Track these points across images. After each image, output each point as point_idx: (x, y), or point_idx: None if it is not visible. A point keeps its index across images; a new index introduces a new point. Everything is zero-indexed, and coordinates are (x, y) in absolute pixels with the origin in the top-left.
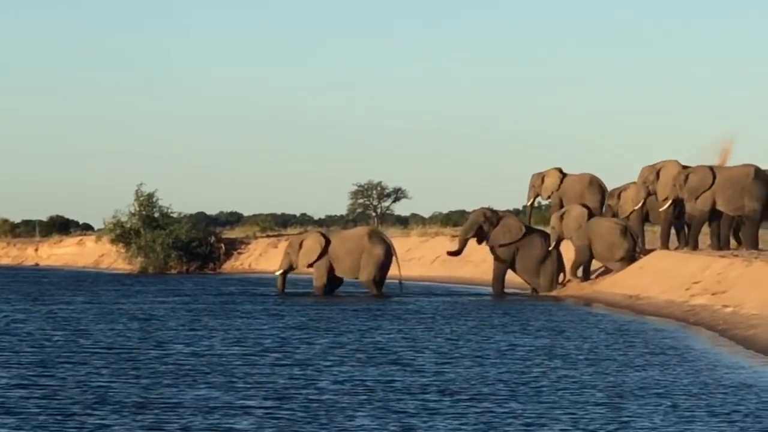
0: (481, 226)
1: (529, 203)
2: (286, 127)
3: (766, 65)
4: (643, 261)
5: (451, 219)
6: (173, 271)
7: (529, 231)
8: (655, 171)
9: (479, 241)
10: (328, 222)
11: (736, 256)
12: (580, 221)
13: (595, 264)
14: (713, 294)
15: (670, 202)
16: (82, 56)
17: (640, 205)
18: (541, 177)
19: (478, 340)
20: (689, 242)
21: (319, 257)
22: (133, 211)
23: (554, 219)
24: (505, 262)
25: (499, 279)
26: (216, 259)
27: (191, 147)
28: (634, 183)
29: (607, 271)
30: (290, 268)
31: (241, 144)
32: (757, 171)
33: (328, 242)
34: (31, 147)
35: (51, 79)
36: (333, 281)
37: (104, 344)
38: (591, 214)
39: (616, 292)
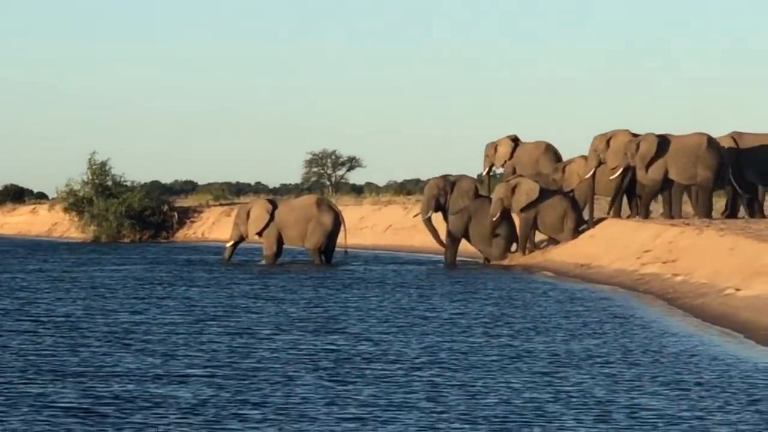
0: (437, 198)
1: (485, 173)
2: (240, 96)
3: (728, 36)
4: (595, 230)
5: (405, 187)
6: (126, 240)
7: (482, 199)
8: (606, 140)
9: (436, 210)
10: (283, 191)
11: (688, 224)
12: (532, 197)
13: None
14: (664, 263)
15: (620, 170)
16: (34, 24)
17: (590, 174)
18: (494, 146)
19: (425, 308)
20: (640, 211)
21: (267, 225)
22: (86, 180)
23: (503, 190)
24: (457, 230)
25: (451, 248)
26: (169, 227)
27: (147, 116)
28: (580, 157)
29: (552, 244)
30: (241, 239)
31: (195, 113)
32: (710, 140)
33: (274, 209)
34: None
35: (4, 48)
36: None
37: (49, 312)
38: (542, 191)
39: (566, 260)
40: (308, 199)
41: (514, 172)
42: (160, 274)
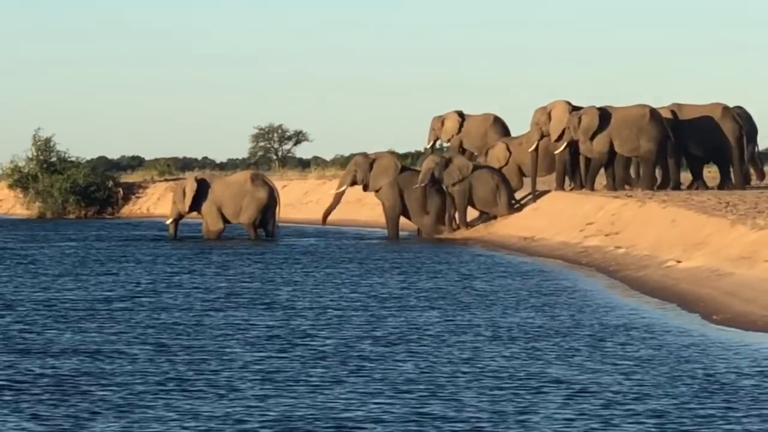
0: (354, 174)
1: (429, 146)
2: (188, 70)
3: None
4: (538, 202)
5: None
6: (71, 216)
7: (411, 172)
8: (547, 113)
9: (364, 189)
10: (230, 165)
11: (630, 196)
12: (464, 173)
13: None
14: (606, 235)
15: (564, 144)
16: None
17: (534, 147)
18: (441, 120)
19: (362, 283)
20: (587, 183)
21: (195, 200)
22: (30, 156)
23: (435, 160)
24: (393, 205)
25: (392, 222)
26: (114, 203)
27: (93, 91)
28: (501, 142)
29: (486, 220)
30: (180, 216)
31: (142, 87)
32: (652, 111)
33: (203, 186)
34: None
35: None
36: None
37: None
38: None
39: (510, 233)
40: (243, 175)
41: (461, 145)
42: (99, 250)
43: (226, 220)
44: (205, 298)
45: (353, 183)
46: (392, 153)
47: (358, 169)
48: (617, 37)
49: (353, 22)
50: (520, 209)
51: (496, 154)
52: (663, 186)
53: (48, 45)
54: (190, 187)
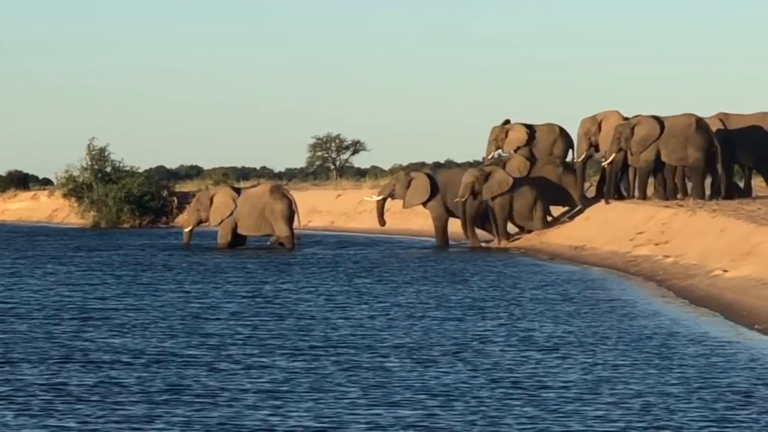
0: (393, 187)
1: (488, 156)
2: (245, 80)
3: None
4: (589, 211)
5: None
6: (126, 225)
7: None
8: (597, 123)
9: (404, 206)
10: (288, 175)
11: (681, 206)
12: (503, 188)
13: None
14: (656, 244)
15: (615, 154)
16: (38, 8)
17: (582, 158)
18: (504, 131)
19: (412, 291)
20: (638, 193)
21: (231, 214)
22: (85, 166)
23: (475, 174)
24: (440, 215)
25: (441, 231)
26: (168, 212)
27: (153, 100)
28: (519, 154)
29: (522, 233)
30: (198, 224)
31: (201, 97)
32: (699, 121)
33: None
34: None
35: (13, 32)
36: (236, 238)
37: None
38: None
39: (561, 243)
40: (262, 188)
41: (531, 155)
42: (128, 259)
43: (238, 234)
44: (224, 307)
45: (391, 196)
46: (428, 174)
47: (398, 184)
48: (659, 45)
49: (411, 32)
50: (558, 224)
51: (516, 166)
52: (714, 195)
53: (108, 57)
54: (230, 198)
